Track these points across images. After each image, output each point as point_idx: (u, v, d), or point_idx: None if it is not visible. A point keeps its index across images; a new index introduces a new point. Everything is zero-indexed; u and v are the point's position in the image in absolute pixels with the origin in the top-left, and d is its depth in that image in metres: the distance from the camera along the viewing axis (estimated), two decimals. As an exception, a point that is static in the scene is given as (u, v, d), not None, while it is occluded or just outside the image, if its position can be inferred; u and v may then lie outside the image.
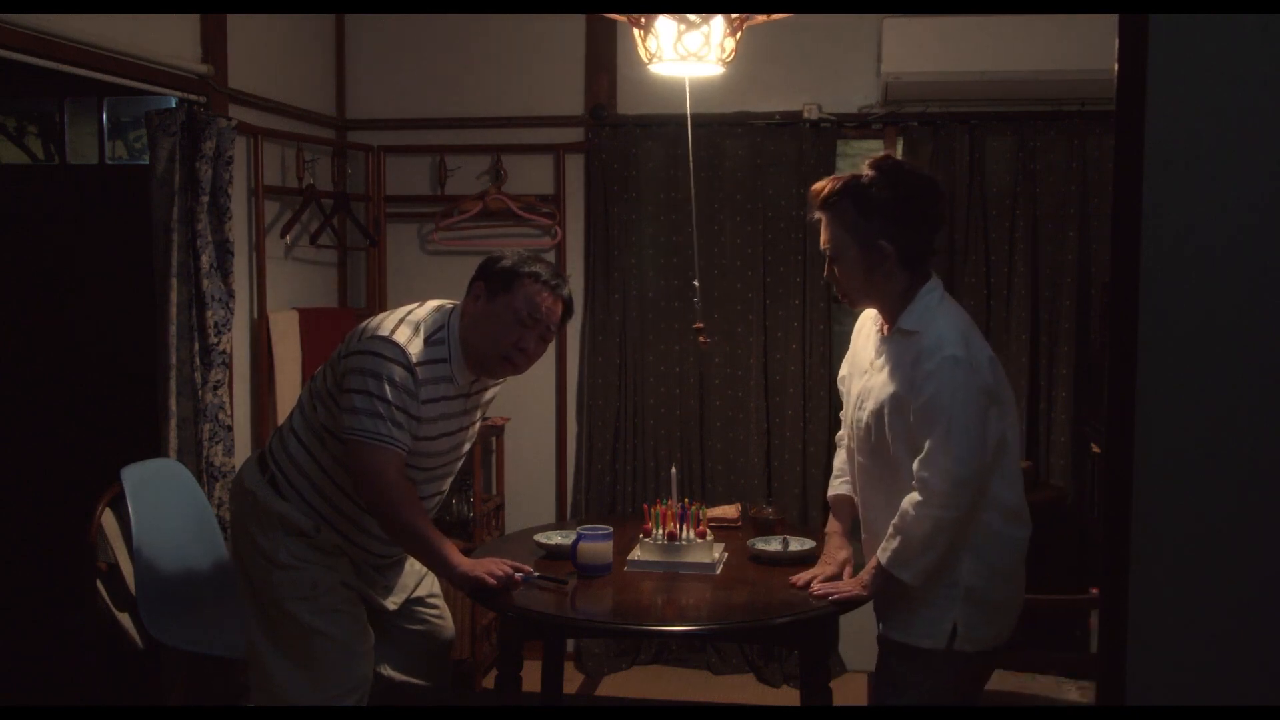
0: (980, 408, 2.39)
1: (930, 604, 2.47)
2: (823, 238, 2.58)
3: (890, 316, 2.56)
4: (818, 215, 2.58)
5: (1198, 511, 1.31)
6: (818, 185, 2.58)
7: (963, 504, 2.38)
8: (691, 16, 2.85)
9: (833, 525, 2.86)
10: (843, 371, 2.79)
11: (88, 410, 4.82)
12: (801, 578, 2.80)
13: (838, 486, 2.83)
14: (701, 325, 3.47)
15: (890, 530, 2.47)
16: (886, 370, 2.51)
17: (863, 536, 2.74)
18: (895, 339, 2.52)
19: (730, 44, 2.93)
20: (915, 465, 2.40)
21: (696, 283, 3.63)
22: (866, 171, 2.53)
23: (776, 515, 3.38)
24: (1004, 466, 2.46)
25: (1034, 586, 4.11)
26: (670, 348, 4.53)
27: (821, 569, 2.79)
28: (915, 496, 2.41)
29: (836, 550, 2.81)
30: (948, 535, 2.40)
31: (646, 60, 2.99)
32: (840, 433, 2.82)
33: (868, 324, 2.70)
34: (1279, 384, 1.28)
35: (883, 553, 2.49)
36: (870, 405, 2.53)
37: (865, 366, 2.64)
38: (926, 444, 2.38)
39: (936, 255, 2.61)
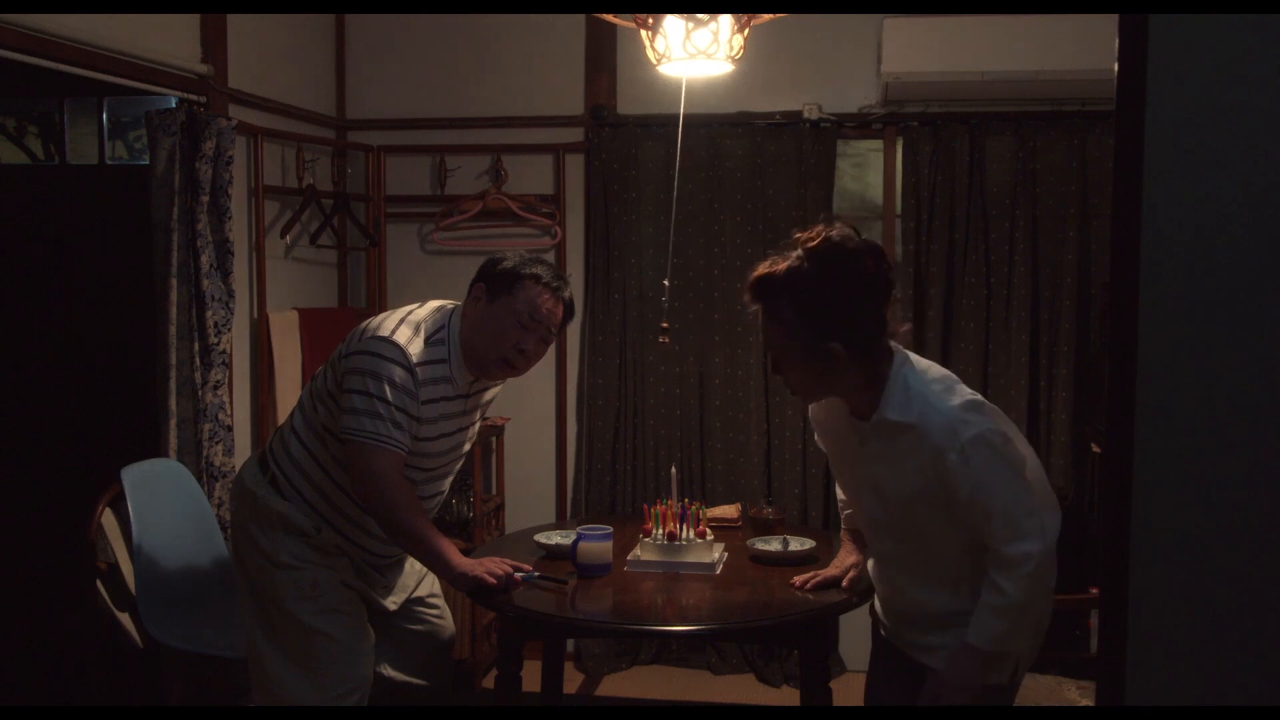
0: (1018, 458, 2.25)
1: None
2: (763, 334, 2.33)
3: (863, 408, 2.32)
4: (753, 307, 2.32)
5: (1198, 511, 1.31)
6: (752, 274, 2.31)
7: (1052, 548, 2.24)
8: (700, 15, 2.86)
9: (846, 535, 2.84)
10: (816, 431, 2.62)
11: (88, 410, 4.82)
12: (802, 579, 2.80)
13: (852, 520, 2.79)
14: (666, 325, 3.50)
15: (987, 613, 2.24)
16: (887, 463, 2.30)
17: (886, 620, 2.58)
18: (884, 431, 2.28)
19: (739, 41, 2.93)
20: (1000, 545, 2.20)
21: (666, 282, 3.67)
22: (801, 261, 2.25)
23: (776, 515, 3.38)
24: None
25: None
26: (670, 348, 4.53)
27: (826, 571, 2.80)
28: (1014, 570, 2.19)
29: (846, 555, 2.80)
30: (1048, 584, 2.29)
31: (655, 61, 2.99)
32: (841, 495, 2.75)
33: None
34: (1278, 384, 1.28)
35: (985, 638, 2.25)
36: (888, 500, 2.33)
37: (849, 450, 2.46)
38: (994, 524, 2.20)
39: (893, 325, 2.31)
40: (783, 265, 2.27)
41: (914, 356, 2.33)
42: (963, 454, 2.17)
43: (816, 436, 2.65)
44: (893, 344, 2.30)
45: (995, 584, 2.22)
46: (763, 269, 2.30)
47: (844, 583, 2.78)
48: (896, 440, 2.26)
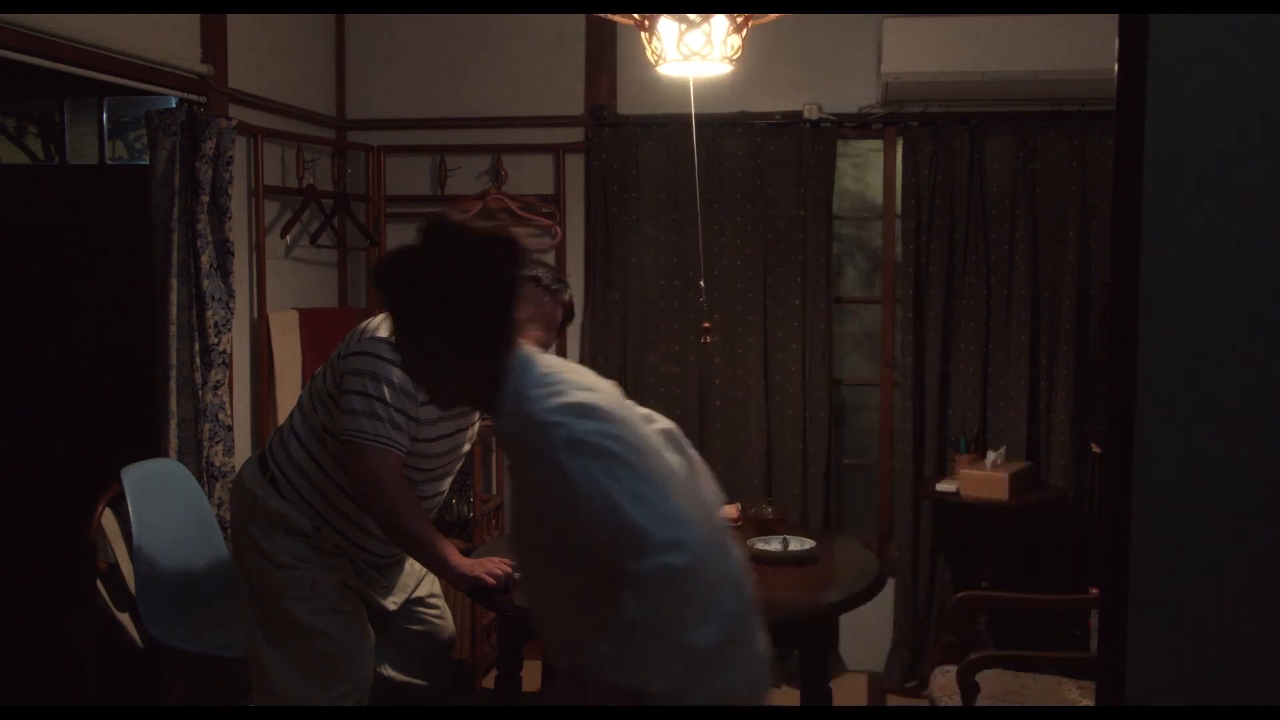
0: (636, 464, 1.87)
1: None
2: None
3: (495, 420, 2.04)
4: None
5: (1198, 511, 1.31)
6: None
7: (690, 567, 1.84)
8: (692, 16, 2.85)
9: None
10: None
11: (88, 410, 4.81)
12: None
13: None
14: (708, 325, 3.47)
15: (610, 638, 1.85)
16: (515, 478, 2.05)
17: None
18: (504, 445, 2.06)
19: (736, 41, 2.93)
20: (624, 561, 1.81)
21: (703, 283, 3.64)
22: (416, 241, 2.01)
23: (776, 515, 3.38)
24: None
25: (1034, 586, 4.16)
26: (670, 348, 4.53)
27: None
28: (638, 588, 1.80)
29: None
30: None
31: (654, 62, 2.99)
32: None
33: None
34: (1278, 384, 1.28)
35: (605, 665, 1.85)
36: (516, 521, 2.07)
37: None
38: (612, 538, 1.83)
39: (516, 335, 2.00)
40: (400, 247, 2.05)
41: (544, 357, 2.02)
42: (555, 462, 1.84)
43: None
44: (524, 347, 2.00)
45: (621, 602, 1.81)
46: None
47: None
48: (513, 454, 2.02)
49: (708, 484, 2.08)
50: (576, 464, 1.83)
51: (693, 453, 2.12)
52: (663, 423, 2.12)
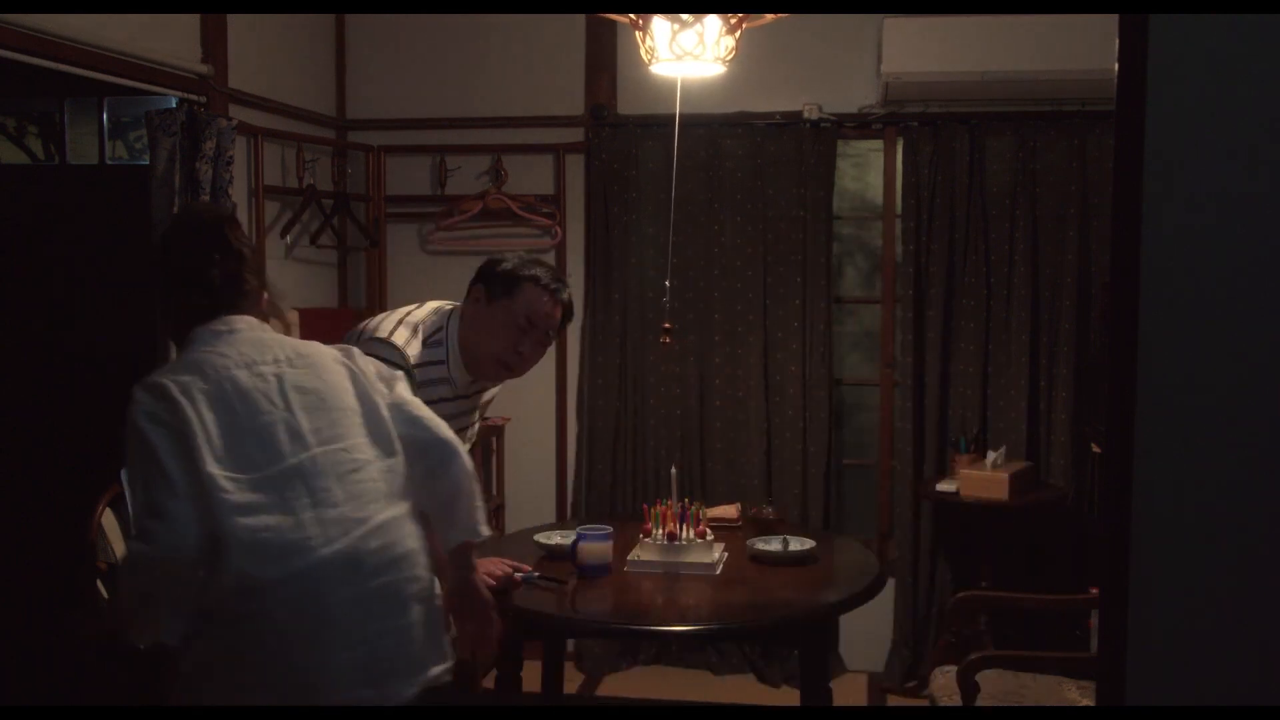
0: (142, 444, 1.99)
1: None
2: None
3: None
4: None
5: (1198, 511, 1.31)
6: None
7: (147, 556, 1.99)
8: (684, 16, 2.84)
9: None
10: None
11: (88, 410, 4.80)
12: None
13: None
14: (668, 325, 3.49)
15: None
16: None
17: None
18: None
19: (730, 42, 2.92)
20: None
21: (668, 283, 3.67)
22: None
23: (776, 515, 3.38)
24: None
25: (1034, 586, 4.15)
26: (670, 348, 4.52)
27: None
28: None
29: None
30: None
31: (647, 60, 2.99)
32: None
33: None
34: (1278, 384, 1.28)
35: None
36: None
37: None
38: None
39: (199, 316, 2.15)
40: None
41: (211, 342, 2.12)
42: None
43: None
44: (210, 327, 2.12)
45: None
46: None
47: None
48: None
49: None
50: (128, 436, 2.02)
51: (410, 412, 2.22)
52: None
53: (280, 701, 2.03)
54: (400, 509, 2.14)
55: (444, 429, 2.25)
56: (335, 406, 2.14)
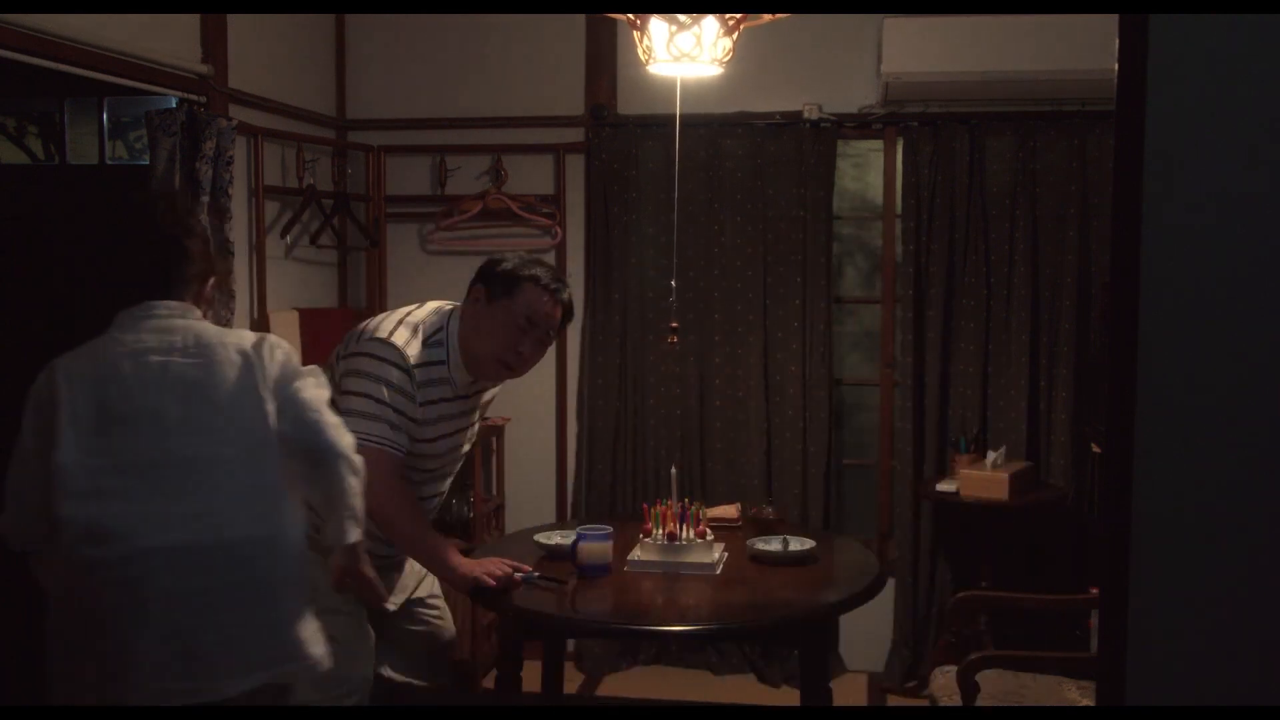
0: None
1: None
2: None
3: None
4: None
5: (1198, 511, 1.31)
6: None
7: None
8: (682, 17, 2.83)
9: None
10: None
11: (88, 410, 4.80)
12: None
13: None
14: (675, 325, 3.49)
15: None
16: None
17: None
18: None
19: (727, 44, 2.92)
20: None
21: (673, 283, 3.67)
22: None
23: (776, 515, 3.38)
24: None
25: (1034, 586, 4.15)
26: (670, 348, 4.52)
27: None
28: None
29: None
30: None
31: (645, 60, 2.99)
32: None
33: None
34: (1278, 383, 1.28)
35: None
36: None
37: None
38: None
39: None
40: None
41: (135, 327, 2.27)
42: None
43: None
44: (131, 313, 2.28)
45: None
46: None
47: None
48: None
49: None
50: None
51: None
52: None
53: (100, 680, 2.11)
54: (262, 505, 2.14)
55: (332, 433, 2.22)
56: (212, 400, 2.15)
